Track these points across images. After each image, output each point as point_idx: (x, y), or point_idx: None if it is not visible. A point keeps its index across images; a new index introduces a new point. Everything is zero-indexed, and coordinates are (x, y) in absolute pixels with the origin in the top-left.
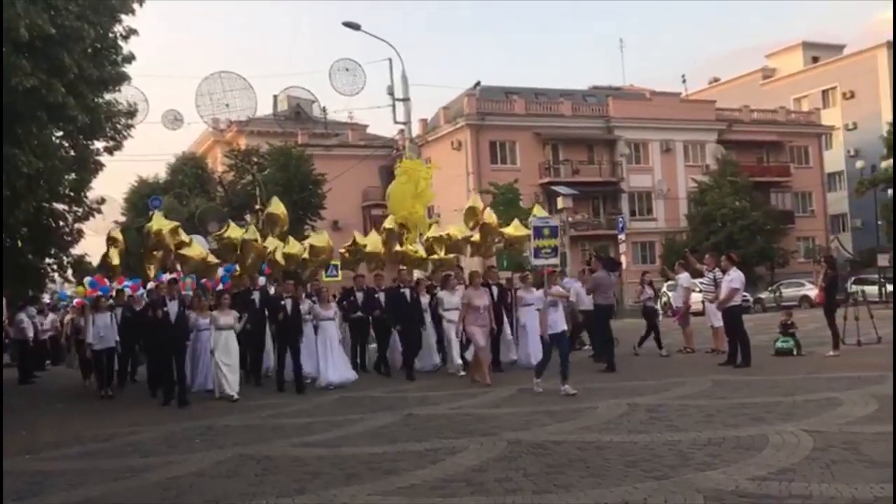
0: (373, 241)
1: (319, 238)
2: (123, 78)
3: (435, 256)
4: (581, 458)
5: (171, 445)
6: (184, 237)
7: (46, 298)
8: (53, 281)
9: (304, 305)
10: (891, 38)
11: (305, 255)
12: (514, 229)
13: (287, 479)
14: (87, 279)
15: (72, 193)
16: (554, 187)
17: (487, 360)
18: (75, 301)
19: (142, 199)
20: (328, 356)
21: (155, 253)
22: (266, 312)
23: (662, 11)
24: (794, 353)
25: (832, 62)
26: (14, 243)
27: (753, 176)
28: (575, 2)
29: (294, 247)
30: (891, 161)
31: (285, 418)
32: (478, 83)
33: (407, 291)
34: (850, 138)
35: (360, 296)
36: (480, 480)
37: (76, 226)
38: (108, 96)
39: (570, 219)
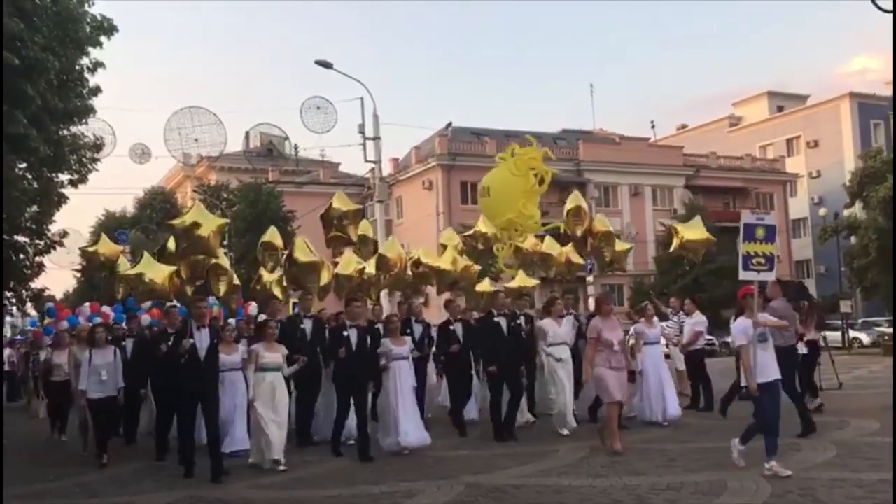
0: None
1: (391, 247)
2: (89, 110)
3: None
4: (538, 502)
5: (120, 486)
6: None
7: (7, 332)
8: (11, 314)
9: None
10: (853, 90)
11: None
12: (690, 231)
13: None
14: (47, 306)
15: (33, 226)
16: None
17: (616, 418)
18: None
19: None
20: (403, 408)
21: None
22: (319, 348)
23: (632, 57)
24: None
25: (796, 111)
26: None
27: (720, 221)
28: (547, 46)
29: (349, 265)
30: (853, 209)
31: (243, 458)
32: (449, 124)
33: (503, 321)
34: (814, 186)
35: (418, 328)
36: None
37: (37, 259)
38: (73, 129)
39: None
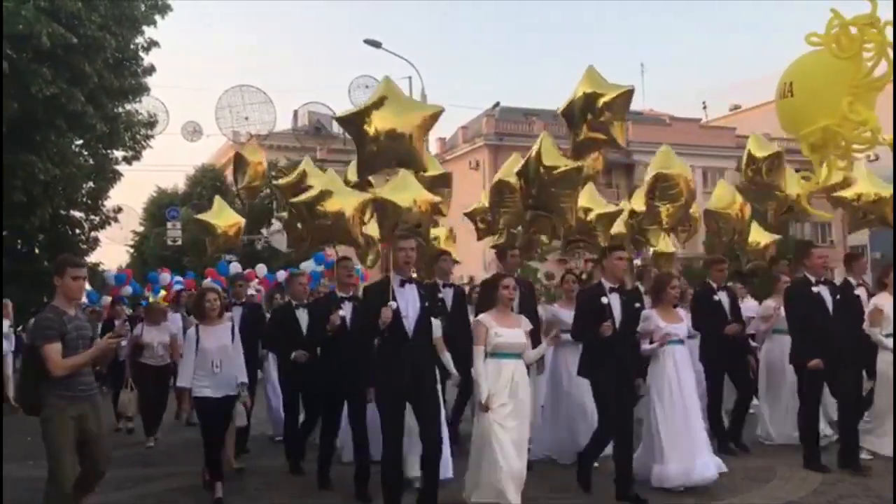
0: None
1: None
2: (144, 89)
3: None
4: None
5: (171, 456)
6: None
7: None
8: None
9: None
10: None
11: None
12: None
13: (287, 494)
14: (109, 274)
15: (89, 201)
16: None
17: None
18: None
19: (160, 209)
20: (686, 419)
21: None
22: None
23: (685, 37)
24: None
25: None
26: (30, 249)
27: None
28: (597, 25)
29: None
30: None
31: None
32: (497, 104)
33: (825, 291)
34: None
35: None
36: None
37: (92, 234)
38: (128, 106)
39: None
